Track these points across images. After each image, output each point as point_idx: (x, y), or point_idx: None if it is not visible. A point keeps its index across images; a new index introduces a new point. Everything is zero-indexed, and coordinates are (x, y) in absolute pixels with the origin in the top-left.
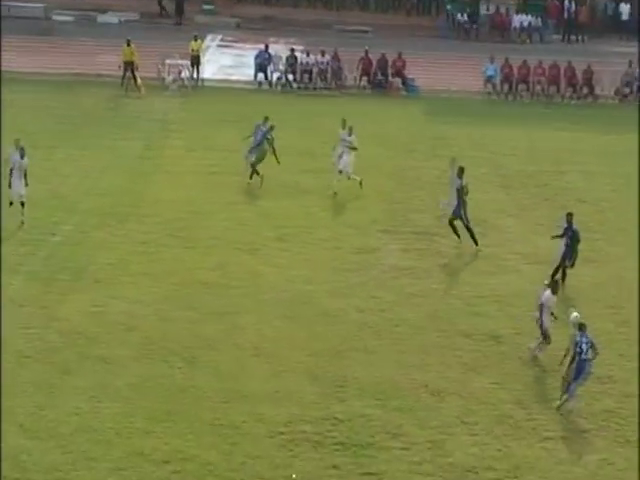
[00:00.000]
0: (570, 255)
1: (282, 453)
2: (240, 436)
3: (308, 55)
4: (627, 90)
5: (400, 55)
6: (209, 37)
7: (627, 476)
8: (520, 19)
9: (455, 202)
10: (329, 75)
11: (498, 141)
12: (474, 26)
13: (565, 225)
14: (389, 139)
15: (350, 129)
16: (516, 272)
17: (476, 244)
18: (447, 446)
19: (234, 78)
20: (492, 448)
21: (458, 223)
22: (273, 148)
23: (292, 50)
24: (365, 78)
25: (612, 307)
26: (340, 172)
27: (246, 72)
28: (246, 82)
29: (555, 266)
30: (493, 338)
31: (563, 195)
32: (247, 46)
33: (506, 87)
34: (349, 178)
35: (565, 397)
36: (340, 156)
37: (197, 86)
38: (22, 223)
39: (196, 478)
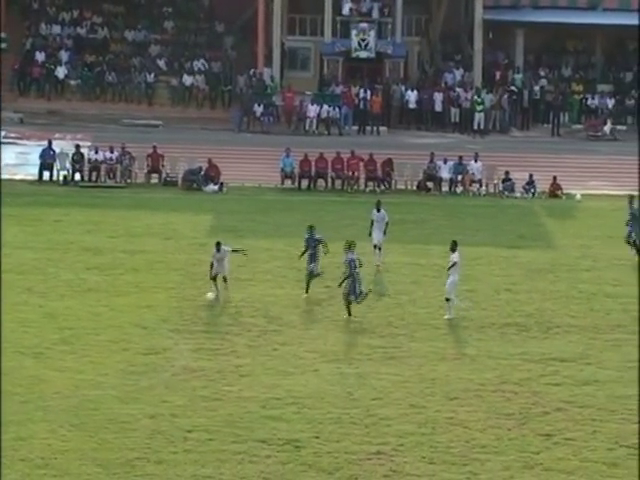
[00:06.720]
0: None
1: None
2: None
3: (96, 152)
4: (430, 184)
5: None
6: None
7: None
8: (316, 109)
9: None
10: (118, 172)
11: None
12: (269, 118)
13: None
14: (178, 232)
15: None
16: (313, 372)
17: None
18: None
19: (18, 178)
20: None
21: None
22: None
23: (77, 146)
24: (155, 175)
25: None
26: None
27: (31, 171)
28: (31, 182)
29: None
30: (291, 443)
31: None
32: (31, 143)
33: (305, 182)
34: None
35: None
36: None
37: None
38: None
39: None
